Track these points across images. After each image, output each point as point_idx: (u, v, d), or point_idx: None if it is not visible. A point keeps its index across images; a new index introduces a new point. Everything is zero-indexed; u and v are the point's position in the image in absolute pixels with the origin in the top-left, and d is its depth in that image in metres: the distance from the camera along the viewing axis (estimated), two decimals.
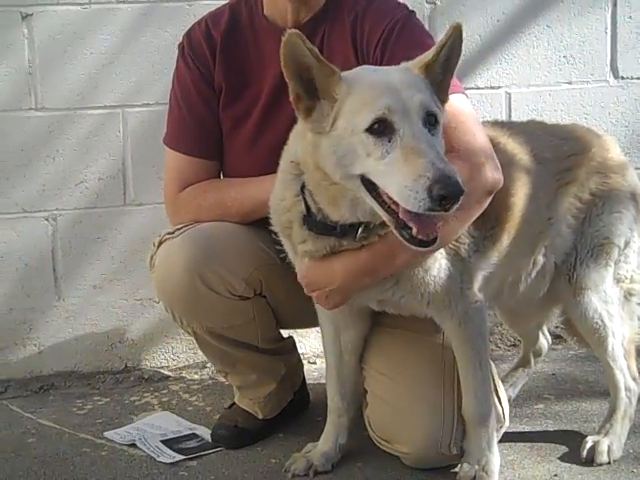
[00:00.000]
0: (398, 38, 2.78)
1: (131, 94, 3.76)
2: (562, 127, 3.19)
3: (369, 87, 2.37)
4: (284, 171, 2.62)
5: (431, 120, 2.35)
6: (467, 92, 3.82)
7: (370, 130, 2.30)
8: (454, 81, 2.70)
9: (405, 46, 2.74)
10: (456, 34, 2.41)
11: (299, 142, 2.52)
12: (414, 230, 2.29)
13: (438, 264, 2.66)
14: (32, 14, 3.65)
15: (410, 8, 2.94)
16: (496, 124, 3.07)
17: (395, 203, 2.30)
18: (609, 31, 4.08)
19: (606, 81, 4.11)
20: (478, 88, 4.00)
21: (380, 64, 2.77)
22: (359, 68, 2.54)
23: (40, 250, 3.76)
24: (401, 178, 2.24)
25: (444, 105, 2.49)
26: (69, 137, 3.73)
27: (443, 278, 2.67)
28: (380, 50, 2.80)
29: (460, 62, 3.82)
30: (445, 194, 2.18)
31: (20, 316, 3.77)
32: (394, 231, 2.35)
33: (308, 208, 2.54)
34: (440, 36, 3.75)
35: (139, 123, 3.76)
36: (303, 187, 2.54)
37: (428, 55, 2.44)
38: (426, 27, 3.80)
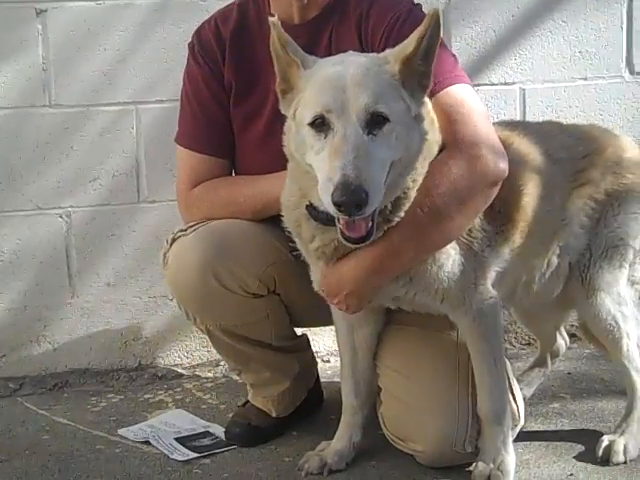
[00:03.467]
0: (400, 31, 2.76)
1: (145, 90, 3.75)
2: (578, 127, 3.17)
3: (319, 82, 2.42)
4: (291, 165, 2.63)
5: (377, 120, 2.36)
6: (480, 88, 3.90)
7: (312, 124, 2.38)
8: (457, 71, 2.71)
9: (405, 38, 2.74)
10: (434, 22, 2.40)
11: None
12: (342, 225, 2.36)
13: (452, 260, 2.65)
14: (46, 10, 3.65)
15: (415, 1, 2.92)
16: (511, 124, 3.05)
17: None
18: (625, 26, 4.04)
19: (621, 77, 4.08)
20: (492, 84, 3.98)
21: None
22: (326, 59, 2.56)
23: (54, 247, 3.76)
24: (322, 176, 2.32)
25: (425, 92, 2.49)
26: (83, 134, 3.73)
27: (457, 274, 2.66)
28: (383, 44, 2.78)
29: (474, 57, 3.92)
30: (339, 202, 2.24)
31: (34, 313, 3.77)
32: (336, 222, 2.40)
33: None
34: (454, 31, 3.86)
35: (153, 120, 3.76)
36: None
37: (408, 48, 2.43)
38: (440, 19, 3.85)
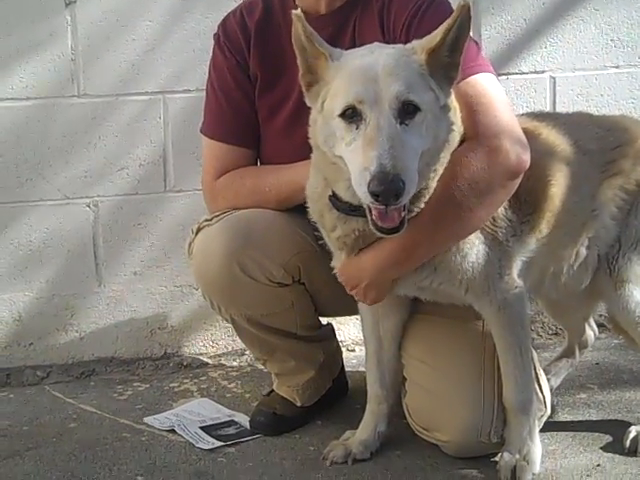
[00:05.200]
0: (421, 20, 2.75)
1: (172, 80, 3.76)
2: (609, 118, 3.13)
3: (350, 72, 2.40)
4: (315, 157, 2.62)
5: (409, 109, 2.34)
6: (510, 77, 3.87)
7: (343, 115, 2.35)
8: (480, 60, 2.68)
9: (427, 28, 2.69)
10: (464, 14, 2.37)
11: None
12: (374, 215, 2.34)
13: (476, 249, 2.63)
14: (75, 1, 3.66)
15: None
16: (540, 115, 3.03)
17: None
18: None
19: None
20: (522, 73, 3.94)
21: None
22: (353, 50, 2.54)
23: (81, 236, 3.78)
24: (355, 167, 2.30)
25: (452, 84, 2.47)
26: (111, 124, 3.75)
27: (481, 264, 2.64)
28: (405, 34, 2.77)
29: (504, 46, 3.88)
30: (377, 191, 2.22)
31: (62, 302, 3.80)
32: (367, 212, 2.38)
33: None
34: (483, 20, 3.82)
35: (180, 109, 3.77)
36: None
37: (435, 38, 2.41)
38: (471, 12, 3.82)
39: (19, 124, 3.70)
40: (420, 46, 2.44)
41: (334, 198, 2.56)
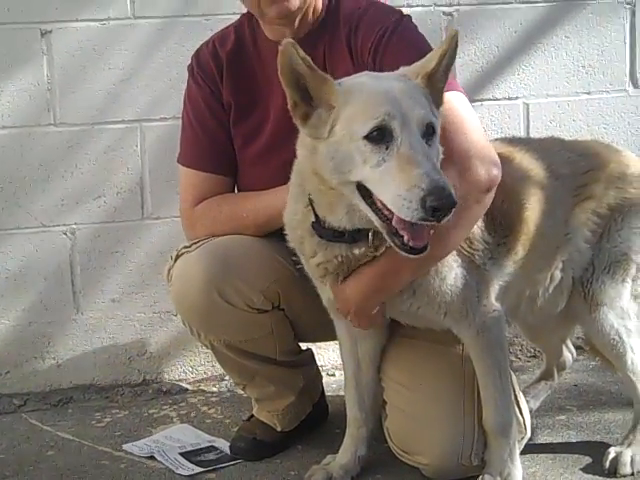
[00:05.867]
0: (387, 43, 2.78)
1: (149, 108, 3.77)
2: (580, 143, 3.16)
3: (368, 95, 2.38)
4: (293, 184, 2.63)
5: (429, 131, 2.37)
6: (484, 103, 3.93)
7: (368, 137, 2.32)
8: (450, 79, 2.70)
9: (394, 50, 2.76)
10: (454, 42, 2.43)
11: (300, 151, 2.54)
12: (406, 238, 2.32)
13: (454, 272, 2.65)
14: (51, 31, 3.67)
15: (405, 13, 2.93)
16: (513, 140, 3.07)
17: (388, 210, 2.32)
18: (628, 41, 4.07)
19: (625, 90, 4.10)
20: (496, 99, 4.00)
21: (373, 71, 2.77)
22: (357, 75, 2.54)
23: (59, 264, 3.77)
24: (395, 187, 2.26)
25: (439, 108, 2.50)
26: (87, 152, 3.75)
27: (459, 287, 2.66)
28: (372, 57, 2.81)
29: (477, 73, 3.93)
30: (438, 206, 2.21)
31: (39, 330, 3.78)
32: (386, 237, 2.38)
33: (317, 216, 2.55)
34: (457, 48, 3.86)
35: (157, 137, 3.78)
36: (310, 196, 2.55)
37: (429, 64, 2.45)
38: (443, 39, 3.85)
39: None
40: (413, 72, 2.47)
41: (317, 224, 2.56)
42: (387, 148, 2.30)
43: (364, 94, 2.38)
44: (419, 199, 2.21)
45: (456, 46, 2.45)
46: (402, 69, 2.52)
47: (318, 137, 2.42)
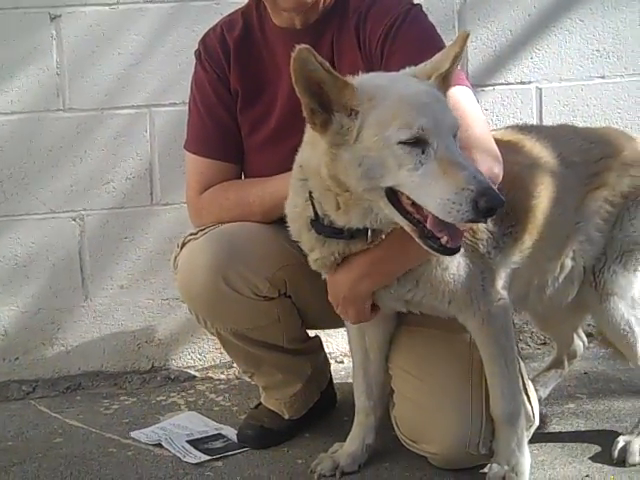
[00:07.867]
0: (397, 33, 2.76)
1: (158, 93, 3.76)
2: (593, 130, 3.13)
3: (398, 100, 2.33)
4: (294, 177, 2.61)
5: (455, 134, 2.36)
6: (497, 88, 3.89)
7: (404, 142, 2.28)
8: (457, 73, 2.67)
9: (403, 40, 2.74)
10: (465, 43, 2.43)
11: (308, 149, 2.50)
12: (444, 240, 2.32)
13: (456, 262, 2.62)
14: (60, 15, 3.67)
15: (415, 1, 2.90)
16: (524, 127, 3.04)
17: (420, 213, 2.31)
18: None
19: None
20: (508, 83, 3.96)
21: (381, 62, 2.76)
22: (372, 77, 2.49)
23: (68, 250, 3.77)
24: (440, 190, 2.24)
25: None
26: (97, 137, 3.74)
27: (462, 276, 2.64)
28: (380, 48, 2.79)
29: (490, 57, 3.89)
30: (491, 206, 2.21)
31: (48, 316, 3.78)
32: (418, 240, 2.36)
33: (316, 212, 2.52)
34: (470, 32, 3.82)
35: (166, 123, 3.77)
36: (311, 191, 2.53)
37: (442, 65, 2.43)
38: (455, 22, 3.84)
39: (4, 138, 3.70)
40: (424, 72, 2.45)
41: (316, 221, 2.54)
42: (423, 152, 2.28)
43: (393, 99, 2.34)
44: (470, 201, 2.20)
45: (465, 47, 2.45)
46: (409, 69, 2.49)
47: (341, 143, 2.35)
